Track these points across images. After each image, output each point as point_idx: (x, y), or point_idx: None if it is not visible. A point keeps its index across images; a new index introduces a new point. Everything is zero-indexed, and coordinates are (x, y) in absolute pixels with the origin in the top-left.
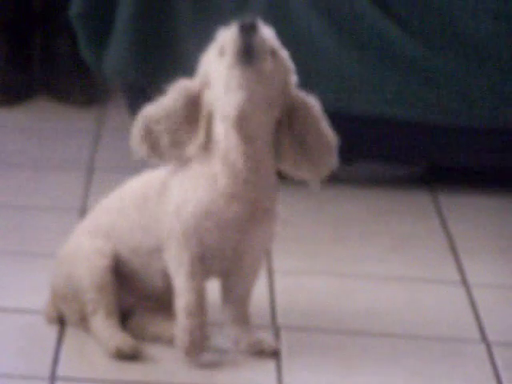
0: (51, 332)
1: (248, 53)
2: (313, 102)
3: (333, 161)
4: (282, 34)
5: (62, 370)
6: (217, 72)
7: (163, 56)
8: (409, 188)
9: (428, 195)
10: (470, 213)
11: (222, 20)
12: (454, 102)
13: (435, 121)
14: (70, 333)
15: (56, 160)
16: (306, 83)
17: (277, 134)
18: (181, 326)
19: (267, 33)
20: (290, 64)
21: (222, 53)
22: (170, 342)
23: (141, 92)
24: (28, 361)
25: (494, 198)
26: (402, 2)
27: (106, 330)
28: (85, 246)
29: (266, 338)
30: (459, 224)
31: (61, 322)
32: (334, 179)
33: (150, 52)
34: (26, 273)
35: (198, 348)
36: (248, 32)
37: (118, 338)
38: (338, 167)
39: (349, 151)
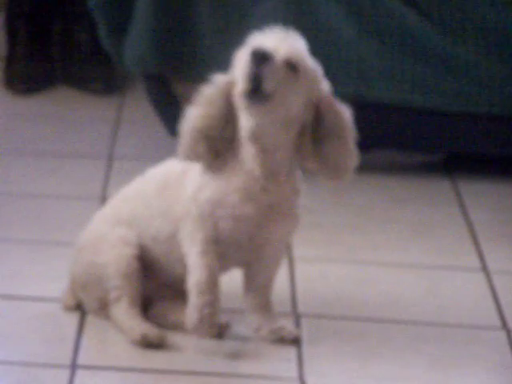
0: (72, 320)
1: (256, 91)
2: (343, 113)
3: (350, 171)
4: (301, 23)
5: (82, 359)
6: None
7: (182, 45)
8: (428, 176)
9: (448, 183)
10: (489, 200)
11: (241, 10)
12: (473, 90)
13: (455, 108)
14: (91, 321)
15: (76, 148)
16: (325, 71)
17: (301, 136)
18: (191, 303)
19: (292, 45)
20: (316, 74)
21: None
22: None
23: (160, 80)
24: (49, 349)
25: None
26: None
27: (130, 319)
28: (109, 235)
29: (287, 325)
30: (479, 211)
31: (81, 310)
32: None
33: (169, 41)
34: (47, 261)
35: (207, 325)
36: (259, 62)
37: (143, 327)
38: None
39: (368, 139)
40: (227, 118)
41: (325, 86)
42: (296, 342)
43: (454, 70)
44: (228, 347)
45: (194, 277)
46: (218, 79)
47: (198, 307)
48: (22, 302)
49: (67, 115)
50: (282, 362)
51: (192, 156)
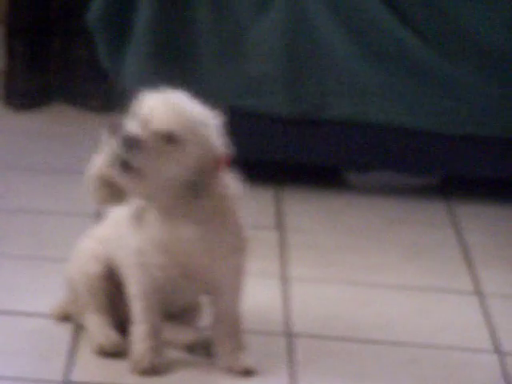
0: (65, 336)
1: (126, 165)
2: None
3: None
4: (299, 42)
5: (76, 375)
6: None
7: (181, 62)
8: (424, 197)
9: (443, 205)
10: (485, 223)
11: (239, 30)
12: (470, 112)
13: (451, 130)
14: (85, 336)
15: (72, 165)
16: (323, 91)
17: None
18: (134, 348)
19: (172, 115)
20: (203, 139)
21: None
22: (184, 347)
23: None
24: (42, 364)
25: (510, 208)
26: (420, 12)
27: (93, 329)
28: (83, 251)
29: (243, 357)
30: (474, 234)
31: (75, 325)
32: (348, 187)
33: (168, 58)
34: (41, 277)
35: (149, 368)
36: (127, 147)
37: (101, 336)
38: (353, 175)
39: (365, 160)
40: None
41: (215, 153)
42: (247, 373)
43: (451, 92)
44: (221, 366)
45: (138, 328)
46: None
47: (140, 353)
48: (15, 317)
49: (64, 131)
50: (274, 381)
51: (98, 201)
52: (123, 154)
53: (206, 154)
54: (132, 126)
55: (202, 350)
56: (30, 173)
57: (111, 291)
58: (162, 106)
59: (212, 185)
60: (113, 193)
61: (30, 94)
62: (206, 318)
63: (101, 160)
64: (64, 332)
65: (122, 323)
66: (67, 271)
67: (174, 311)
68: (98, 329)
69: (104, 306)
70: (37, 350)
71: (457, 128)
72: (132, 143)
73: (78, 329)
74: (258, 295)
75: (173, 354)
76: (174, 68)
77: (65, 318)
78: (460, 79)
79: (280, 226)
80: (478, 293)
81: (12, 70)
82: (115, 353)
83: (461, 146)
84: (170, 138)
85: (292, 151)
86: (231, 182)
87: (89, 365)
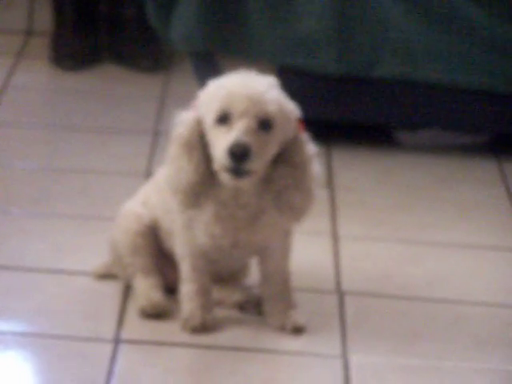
0: (115, 294)
1: (237, 172)
2: (307, 152)
3: (304, 212)
4: (350, 1)
5: (126, 333)
6: (214, 135)
7: (229, 22)
8: (474, 156)
9: (493, 163)
10: None
11: None
12: None
13: (501, 89)
14: (134, 295)
15: (122, 124)
16: (373, 49)
17: (274, 163)
18: (183, 307)
19: (263, 102)
20: (287, 118)
21: (220, 121)
22: (234, 306)
23: (207, 58)
24: (92, 323)
25: None
26: None
27: (136, 290)
28: (125, 212)
29: (295, 314)
30: None
31: (125, 284)
32: (398, 146)
33: (216, 18)
34: (92, 236)
35: (199, 326)
36: (238, 159)
37: (142, 297)
38: (403, 134)
39: (414, 119)
40: (206, 154)
41: (295, 122)
42: (298, 331)
43: (499, 51)
44: (272, 324)
45: (186, 288)
46: (186, 119)
47: (188, 312)
48: (67, 276)
49: (113, 91)
50: (325, 339)
51: (195, 207)
52: (235, 164)
53: (291, 123)
54: (235, 134)
55: (253, 308)
56: (79, 132)
57: (155, 252)
58: (247, 99)
59: (295, 149)
60: (203, 193)
61: (79, 55)
62: (253, 276)
63: (190, 164)
64: (113, 291)
65: (170, 283)
66: (110, 233)
67: (222, 273)
68: (141, 290)
69: (147, 266)
70: (87, 308)
71: (506, 86)
72: (243, 153)
73: (127, 287)
74: (309, 253)
75: (223, 312)
76: (223, 28)
77: (107, 277)
78: (508, 37)
79: (330, 184)
80: None
81: (60, 31)
82: (157, 315)
83: (510, 104)
84: (266, 125)
85: (342, 110)
86: (309, 143)
87: (139, 323)
